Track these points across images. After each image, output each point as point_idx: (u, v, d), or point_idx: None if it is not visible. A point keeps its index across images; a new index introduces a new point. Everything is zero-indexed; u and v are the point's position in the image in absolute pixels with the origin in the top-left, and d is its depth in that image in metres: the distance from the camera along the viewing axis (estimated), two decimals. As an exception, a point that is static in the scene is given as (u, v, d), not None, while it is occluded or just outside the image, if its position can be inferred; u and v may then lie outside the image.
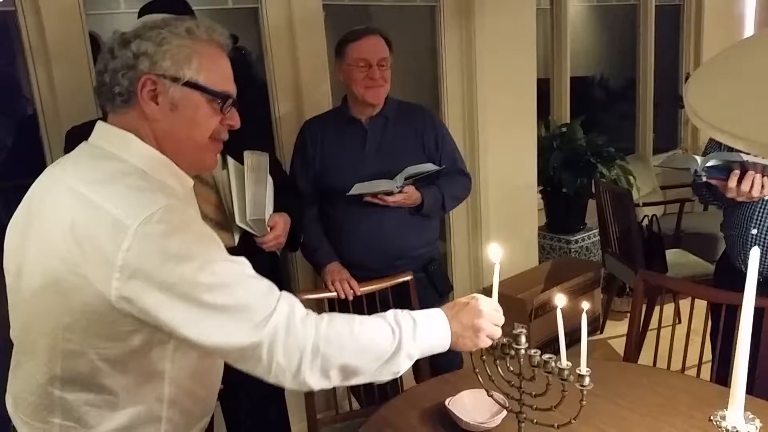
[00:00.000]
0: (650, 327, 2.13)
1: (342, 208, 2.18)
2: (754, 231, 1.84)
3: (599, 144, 3.81)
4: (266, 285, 1.06)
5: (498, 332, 1.23)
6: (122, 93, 1.07)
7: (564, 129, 3.97)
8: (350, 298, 2.12)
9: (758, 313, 1.70)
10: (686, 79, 5.26)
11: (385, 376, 1.15)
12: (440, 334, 1.19)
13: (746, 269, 1.78)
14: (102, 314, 0.99)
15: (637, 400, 1.55)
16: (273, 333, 1.01)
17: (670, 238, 3.93)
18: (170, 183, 1.10)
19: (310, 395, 1.96)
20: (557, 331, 1.19)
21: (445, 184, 2.24)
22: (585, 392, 1.16)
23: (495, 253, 1.26)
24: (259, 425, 2.04)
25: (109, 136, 1.10)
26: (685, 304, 1.94)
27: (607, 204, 3.48)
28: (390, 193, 2.10)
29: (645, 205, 4.00)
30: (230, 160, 1.77)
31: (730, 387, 1.69)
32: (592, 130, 3.92)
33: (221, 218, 1.77)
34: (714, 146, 1.93)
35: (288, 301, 1.06)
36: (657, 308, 2.31)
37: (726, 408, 1.02)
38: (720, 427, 1.08)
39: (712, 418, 1.09)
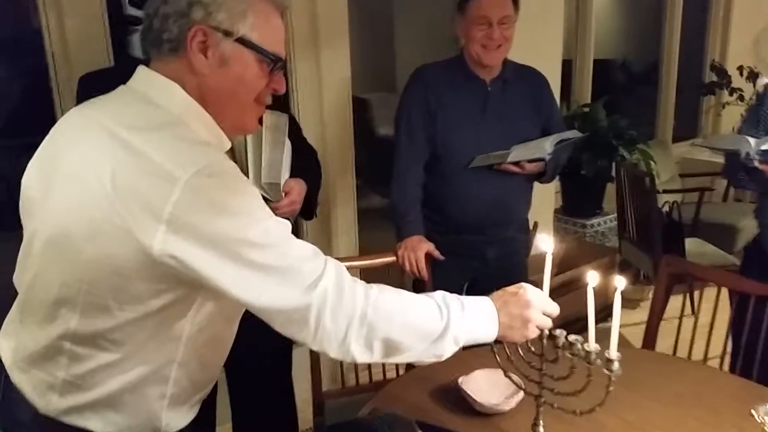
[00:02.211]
0: (666, 316, 2.06)
1: (457, 169, 2.08)
2: None
3: (621, 126, 3.72)
4: (312, 248, 1.03)
5: (549, 322, 1.17)
6: (171, 40, 1.00)
7: (586, 109, 3.88)
8: (412, 275, 2.07)
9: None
10: (711, 67, 5.19)
11: (427, 358, 1.11)
12: (488, 322, 1.14)
13: None
14: (139, 270, 0.94)
15: (658, 389, 1.49)
16: (323, 296, 0.98)
17: (688, 227, 3.85)
18: (211, 141, 1.04)
19: (316, 366, 1.91)
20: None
21: (559, 151, 2.16)
22: (613, 379, 1.10)
23: (546, 243, 1.21)
24: (264, 397, 2.00)
25: (153, 83, 1.03)
26: (705, 293, 1.87)
27: (627, 188, 3.40)
28: (539, 160, 2.05)
29: (665, 192, 3.91)
30: (247, 120, 1.70)
31: (755, 380, 1.65)
32: (613, 114, 3.83)
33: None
34: (750, 127, 1.81)
35: (336, 265, 1.03)
36: (674, 296, 2.23)
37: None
38: (765, 423, 1.02)
39: (753, 412, 1.03)
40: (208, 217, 0.92)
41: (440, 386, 1.51)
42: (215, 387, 1.90)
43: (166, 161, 0.92)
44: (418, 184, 2.13)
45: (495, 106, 2.09)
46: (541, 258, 1.25)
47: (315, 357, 1.90)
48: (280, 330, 1.01)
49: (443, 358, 1.11)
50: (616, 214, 3.69)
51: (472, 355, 1.37)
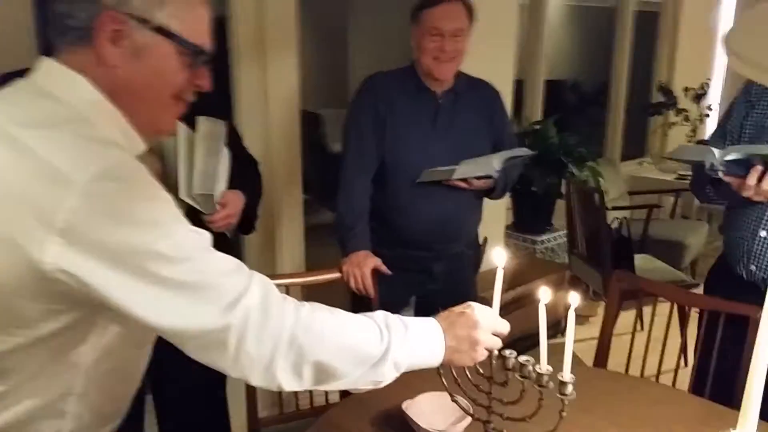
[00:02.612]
0: (616, 332, 2.03)
1: (405, 183, 2.00)
2: (763, 233, 1.65)
3: (571, 144, 3.73)
4: (235, 261, 0.92)
5: (498, 343, 1.08)
6: (78, 28, 0.88)
7: (537, 127, 3.88)
8: (357, 292, 1.98)
9: (743, 321, 1.59)
10: (658, 88, 5.31)
11: (364, 385, 1.00)
12: (433, 346, 1.05)
13: (748, 276, 1.67)
14: (28, 288, 0.82)
15: (613, 410, 1.42)
16: (245, 316, 0.87)
17: (637, 243, 3.87)
18: (120, 141, 0.92)
19: (252, 390, 1.78)
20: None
21: (509, 168, 2.10)
22: (567, 403, 1.02)
23: (499, 257, 1.13)
24: (196, 424, 1.86)
25: (54, 75, 0.91)
26: (654, 309, 1.83)
27: (576, 205, 3.39)
28: (485, 177, 1.99)
29: (614, 208, 3.93)
30: (180, 126, 1.58)
31: (706, 397, 1.61)
32: (563, 132, 3.84)
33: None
34: (718, 141, 1.76)
35: (262, 281, 0.92)
36: (623, 312, 2.19)
37: (733, 428, 0.89)
38: None
39: None
40: (109, 226, 0.81)
41: (383, 412, 1.40)
42: (141, 413, 1.79)
43: (62, 162, 0.80)
44: (366, 195, 2.04)
45: (445, 119, 2.03)
46: (491, 274, 1.17)
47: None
48: (194, 355, 0.89)
49: (382, 385, 1.01)
50: (566, 231, 3.68)
51: (417, 378, 1.27)
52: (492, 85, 2.17)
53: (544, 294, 1.03)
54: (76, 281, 0.81)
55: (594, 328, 3.15)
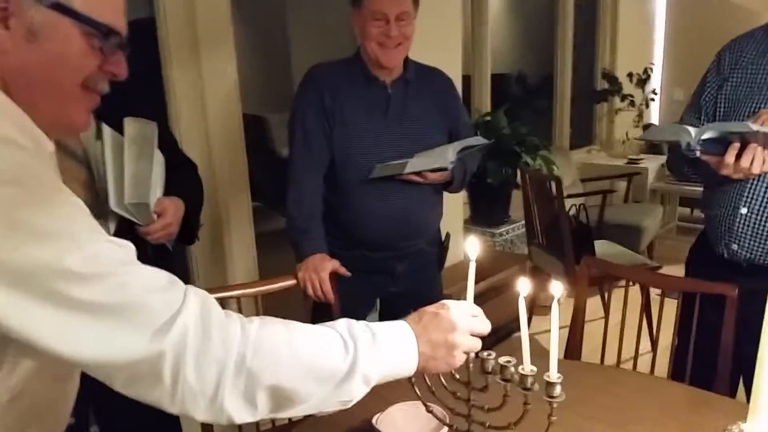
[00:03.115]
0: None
1: (357, 181, 1.87)
2: (744, 210, 1.57)
3: (523, 133, 3.68)
4: (166, 275, 0.78)
5: (477, 344, 0.97)
6: None
7: (488, 118, 3.82)
8: (316, 298, 1.85)
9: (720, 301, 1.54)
10: (602, 75, 5.34)
11: (330, 407, 0.87)
12: (405, 354, 0.92)
13: (729, 255, 1.59)
14: None
15: (592, 404, 1.34)
16: (181, 339, 0.74)
17: (594, 229, 3.86)
18: (20, 141, 0.77)
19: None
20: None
21: (467, 158, 1.98)
22: (555, 405, 0.92)
23: (472, 248, 1.02)
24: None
25: None
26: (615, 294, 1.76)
27: (533, 194, 3.34)
28: (440, 170, 1.87)
29: (569, 196, 3.90)
30: (106, 129, 1.42)
31: (688, 383, 1.55)
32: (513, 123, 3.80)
33: (92, 201, 1.42)
34: (693, 117, 1.70)
35: (199, 297, 0.78)
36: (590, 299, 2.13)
37: (743, 420, 0.81)
38: None
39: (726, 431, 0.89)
40: (6, 240, 0.67)
41: (352, 428, 1.28)
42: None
43: None
44: (318, 195, 1.91)
45: (396, 109, 1.91)
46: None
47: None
48: (125, 391, 0.75)
49: (351, 404, 0.89)
50: (523, 221, 3.63)
51: (387, 389, 1.15)
52: (444, 73, 2.07)
53: (523, 286, 0.92)
54: None
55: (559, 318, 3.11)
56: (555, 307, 0.89)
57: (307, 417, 1.36)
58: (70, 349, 0.70)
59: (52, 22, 0.76)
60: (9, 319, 0.68)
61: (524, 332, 0.93)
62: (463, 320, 0.95)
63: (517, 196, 3.75)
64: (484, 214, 3.86)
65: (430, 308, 0.98)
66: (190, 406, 0.76)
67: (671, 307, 1.66)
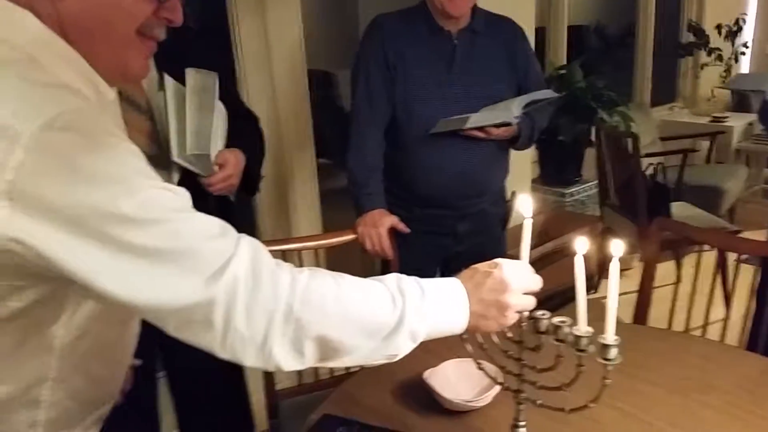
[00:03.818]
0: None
1: (420, 136, 1.84)
2: None
3: (600, 88, 3.50)
4: (218, 224, 0.78)
5: (531, 303, 0.94)
6: None
7: (562, 71, 3.66)
8: (374, 254, 1.84)
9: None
10: (688, 27, 5.01)
11: (377, 360, 0.87)
12: (455, 312, 0.90)
13: None
14: None
15: (658, 371, 1.28)
16: (232, 287, 0.74)
17: (673, 191, 3.67)
18: (81, 89, 0.78)
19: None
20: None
21: (536, 113, 1.92)
22: (610, 368, 0.88)
23: (526, 206, 0.98)
24: (213, 399, 1.76)
25: None
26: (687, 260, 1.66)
27: (608, 152, 3.19)
28: (504, 125, 1.81)
29: (647, 155, 3.72)
30: (168, 80, 1.44)
31: (759, 352, 1.46)
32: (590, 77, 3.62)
33: (155, 152, 1.45)
34: None
35: (251, 246, 0.78)
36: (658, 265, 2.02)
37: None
38: None
39: None
40: (61, 184, 0.67)
41: (403, 382, 1.28)
42: (154, 390, 1.70)
43: (4, 111, 0.67)
44: (379, 151, 1.88)
45: (463, 63, 1.84)
46: (519, 230, 1.02)
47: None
48: (175, 334, 0.76)
49: (397, 358, 0.88)
50: (597, 181, 3.50)
51: (440, 344, 1.14)
52: (514, 22, 1.98)
53: (581, 244, 0.88)
54: (30, 251, 0.68)
55: (629, 282, 2.98)
56: (614, 265, 0.84)
57: (360, 369, 1.37)
58: (123, 291, 0.72)
59: None
60: (67, 261, 0.69)
61: (581, 292, 0.89)
62: (516, 279, 0.92)
63: (590, 154, 3.61)
64: (555, 173, 3.74)
65: (483, 266, 0.95)
66: (239, 352, 0.77)
67: (748, 274, 1.56)
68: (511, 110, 1.78)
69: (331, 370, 1.80)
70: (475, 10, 1.85)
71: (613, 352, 0.86)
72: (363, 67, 1.85)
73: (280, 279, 0.78)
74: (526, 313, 0.95)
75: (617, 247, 0.85)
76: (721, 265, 1.67)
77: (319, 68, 4.59)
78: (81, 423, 0.91)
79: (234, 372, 1.80)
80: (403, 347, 0.86)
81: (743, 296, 1.61)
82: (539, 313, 0.94)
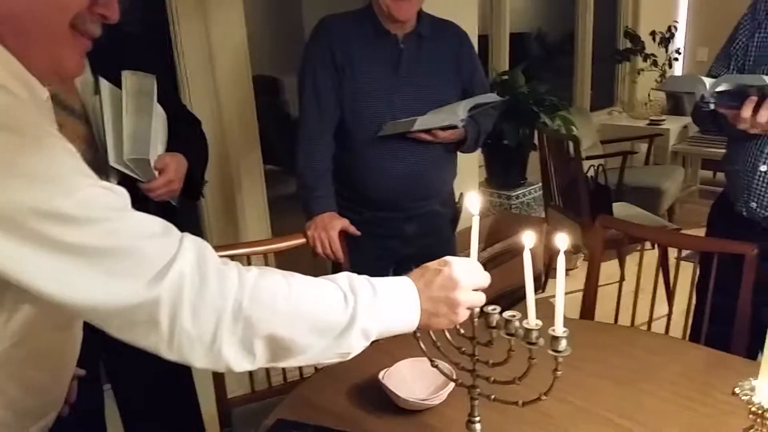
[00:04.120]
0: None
1: (368, 139, 1.83)
2: (763, 168, 1.51)
3: (541, 92, 3.58)
4: (160, 223, 0.76)
5: (481, 299, 0.94)
6: None
7: (505, 77, 3.72)
8: (325, 257, 1.82)
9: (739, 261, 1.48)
10: (624, 34, 5.18)
11: (329, 359, 0.86)
12: (407, 310, 0.90)
13: (748, 213, 1.54)
14: None
15: (605, 364, 1.31)
16: (178, 285, 0.72)
17: (613, 191, 3.78)
18: (12, 87, 0.74)
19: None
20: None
21: (481, 116, 1.93)
22: (561, 360, 0.88)
23: (474, 203, 0.99)
24: (162, 411, 1.70)
25: None
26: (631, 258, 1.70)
27: (551, 155, 3.27)
28: (450, 128, 1.81)
29: (588, 158, 3.82)
30: (104, 83, 1.39)
31: (702, 343, 1.51)
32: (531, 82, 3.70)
33: (92, 157, 1.39)
34: (721, 66, 1.63)
35: (195, 245, 0.76)
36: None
37: (753, 378, 0.77)
38: (752, 403, 0.83)
39: (737, 390, 0.84)
40: None
41: (358, 383, 1.27)
42: (100, 401, 1.63)
43: None
44: (328, 154, 1.87)
45: (409, 66, 1.85)
46: (468, 231, 1.02)
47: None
48: (119, 335, 0.74)
49: (350, 357, 0.87)
50: (540, 184, 3.57)
51: (394, 345, 1.13)
52: (458, 27, 2.00)
53: (528, 239, 0.88)
54: None
55: (574, 282, 3.05)
56: (561, 259, 0.85)
57: (315, 371, 1.35)
58: (62, 292, 0.69)
59: None
60: (2, 263, 0.66)
61: (529, 286, 0.89)
62: (466, 276, 0.92)
63: (534, 157, 3.68)
64: (500, 176, 3.80)
65: (432, 264, 0.95)
66: (187, 353, 0.75)
67: (688, 271, 1.61)
68: (457, 113, 1.80)
69: (284, 375, 1.77)
70: (421, 14, 1.86)
71: (563, 344, 0.87)
72: (310, 69, 1.83)
73: (227, 276, 0.76)
74: (477, 310, 0.95)
75: (562, 240, 0.86)
76: (662, 263, 1.72)
77: (263, 74, 4.53)
78: None
79: (182, 381, 1.74)
80: (355, 345, 0.85)
81: (685, 292, 1.66)
82: (490, 308, 0.94)
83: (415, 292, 0.91)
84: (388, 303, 0.88)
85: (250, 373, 1.72)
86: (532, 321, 0.88)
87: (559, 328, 0.87)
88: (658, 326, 1.70)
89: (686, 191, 4.71)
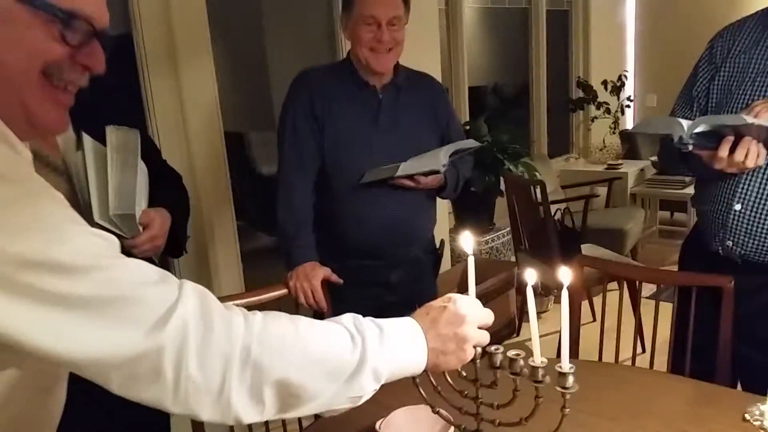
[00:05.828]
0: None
1: (349, 187, 1.84)
2: (738, 206, 1.51)
3: (504, 141, 3.69)
4: (156, 270, 0.74)
5: (487, 337, 0.94)
6: None
7: (467, 127, 3.83)
8: (309, 307, 1.80)
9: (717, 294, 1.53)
10: (577, 84, 5.40)
11: (341, 404, 0.83)
12: (415, 349, 0.88)
13: (724, 251, 1.56)
14: None
15: (601, 402, 1.32)
16: (181, 333, 0.70)
17: (578, 234, 3.87)
18: None
19: (199, 426, 1.55)
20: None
21: (460, 162, 1.96)
22: (568, 397, 0.89)
23: (467, 243, 1.01)
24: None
25: None
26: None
27: (517, 201, 3.34)
28: (432, 173, 1.84)
29: (552, 202, 3.91)
30: (87, 138, 1.38)
31: (687, 375, 1.53)
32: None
33: (75, 214, 1.37)
34: (684, 109, 1.66)
35: (196, 290, 0.74)
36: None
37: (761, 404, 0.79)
38: (764, 429, 0.85)
39: (747, 416, 0.86)
40: None
41: (355, 436, 1.25)
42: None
43: None
44: (308, 202, 1.88)
45: (388, 116, 1.90)
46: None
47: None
48: (123, 392, 0.71)
49: (362, 401, 0.84)
50: (509, 228, 3.63)
51: (388, 395, 1.12)
52: (434, 78, 2.07)
53: (530, 276, 0.90)
54: None
55: (547, 324, 3.08)
56: (565, 294, 0.87)
57: (312, 422, 1.32)
58: (61, 347, 0.66)
59: (5, 5, 0.71)
60: None
61: (533, 322, 0.91)
62: (472, 312, 0.93)
63: (501, 203, 3.75)
64: (469, 222, 3.84)
65: (437, 302, 0.95)
66: (194, 404, 0.72)
67: (665, 309, 1.65)
68: (439, 158, 1.84)
69: (284, 426, 1.71)
70: (398, 66, 1.92)
71: (570, 380, 0.88)
72: (290, 120, 1.86)
73: (233, 321, 0.75)
74: (479, 350, 0.96)
75: (565, 274, 0.88)
76: (635, 300, 1.76)
77: (231, 130, 4.55)
78: None
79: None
80: (367, 388, 0.83)
81: (664, 328, 1.69)
82: (493, 347, 0.95)
83: (420, 331, 0.90)
84: (396, 342, 0.87)
85: (232, 430, 1.66)
86: (538, 359, 0.89)
87: (565, 365, 0.88)
88: (642, 363, 1.72)
89: (647, 232, 4.85)
